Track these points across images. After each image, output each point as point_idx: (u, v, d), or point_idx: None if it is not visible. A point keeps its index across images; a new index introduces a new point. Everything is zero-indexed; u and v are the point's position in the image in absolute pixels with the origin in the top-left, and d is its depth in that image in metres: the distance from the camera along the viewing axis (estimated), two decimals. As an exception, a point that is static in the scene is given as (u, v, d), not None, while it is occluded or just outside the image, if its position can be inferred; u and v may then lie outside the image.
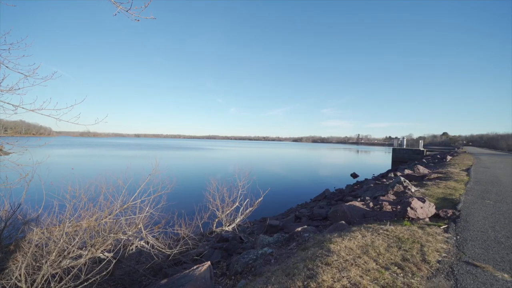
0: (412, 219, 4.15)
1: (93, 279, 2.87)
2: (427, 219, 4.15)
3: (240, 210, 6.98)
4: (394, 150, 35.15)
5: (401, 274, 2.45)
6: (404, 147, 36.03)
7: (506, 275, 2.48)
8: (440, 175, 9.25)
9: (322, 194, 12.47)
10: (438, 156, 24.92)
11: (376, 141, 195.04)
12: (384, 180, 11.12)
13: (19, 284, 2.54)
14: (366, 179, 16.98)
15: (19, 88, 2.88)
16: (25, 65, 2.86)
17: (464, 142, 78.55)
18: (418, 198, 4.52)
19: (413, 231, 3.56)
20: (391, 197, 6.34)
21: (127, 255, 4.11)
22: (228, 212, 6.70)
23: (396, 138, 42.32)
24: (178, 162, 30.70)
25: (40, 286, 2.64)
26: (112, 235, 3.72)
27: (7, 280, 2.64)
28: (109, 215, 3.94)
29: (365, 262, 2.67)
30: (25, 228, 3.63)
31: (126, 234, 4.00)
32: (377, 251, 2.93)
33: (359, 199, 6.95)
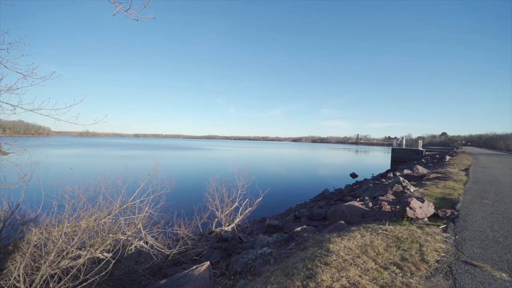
0: (411, 219, 4.16)
1: (92, 279, 2.86)
2: (426, 219, 4.17)
3: (240, 210, 6.98)
4: (393, 150, 35.21)
5: (400, 274, 2.46)
6: (403, 147, 36.10)
7: (504, 275, 2.49)
8: (439, 175, 9.27)
9: (321, 194, 12.48)
10: (437, 156, 24.98)
11: (375, 141, 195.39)
12: (383, 180, 11.13)
13: (17, 284, 2.54)
14: (365, 179, 17.00)
15: (18, 88, 2.87)
16: (23, 65, 2.86)
17: (463, 142, 78.78)
18: (417, 198, 4.53)
19: (412, 231, 3.57)
20: (390, 197, 6.36)
21: (126, 255, 4.10)
22: (227, 212, 6.70)
23: (395, 138, 42.41)
24: (177, 162, 30.66)
25: (38, 286, 2.64)
26: (111, 235, 3.71)
27: (6, 280, 2.63)
28: (108, 215, 3.93)
29: (364, 262, 2.67)
30: (24, 229, 3.61)
31: (125, 234, 3.99)
32: (376, 251, 2.94)
33: (358, 199, 6.96)
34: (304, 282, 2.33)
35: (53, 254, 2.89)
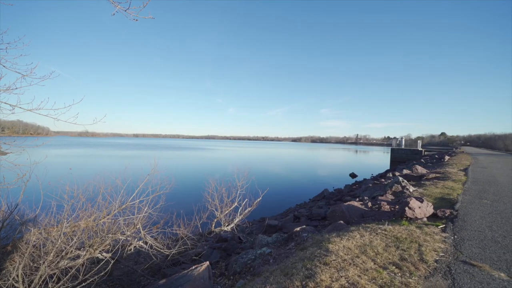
0: (410, 218, 4.17)
1: (91, 279, 2.86)
2: (425, 219, 4.18)
3: (239, 210, 6.98)
4: (392, 150, 35.28)
5: (399, 274, 2.47)
6: (403, 147, 36.17)
7: (502, 274, 2.50)
8: (438, 175, 9.29)
9: (321, 194, 12.49)
10: (436, 156, 25.03)
11: (374, 141, 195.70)
12: (383, 180, 11.15)
13: (16, 284, 2.53)
14: (364, 179, 17.02)
15: (17, 88, 2.86)
16: (22, 65, 2.85)
17: (462, 142, 78.99)
18: (416, 198, 4.54)
19: (411, 230, 3.58)
20: (390, 197, 6.37)
21: (125, 256, 4.10)
22: (227, 212, 6.70)
23: (394, 138, 42.48)
24: (177, 162, 30.64)
25: (37, 286, 2.63)
26: (110, 235, 3.71)
27: (4, 281, 2.63)
28: (108, 215, 3.93)
29: (363, 261, 2.68)
30: (23, 229, 3.61)
31: (124, 234, 3.99)
32: (375, 250, 2.94)
33: (357, 199, 6.97)
34: (304, 282, 2.34)
35: (52, 254, 2.88)
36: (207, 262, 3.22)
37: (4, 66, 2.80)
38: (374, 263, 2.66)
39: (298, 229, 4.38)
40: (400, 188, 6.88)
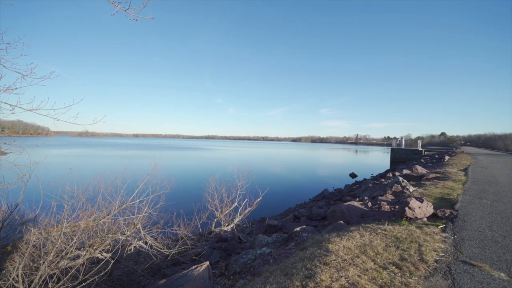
0: (410, 218, 4.17)
1: (91, 279, 2.86)
2: (425, 219, 4.18)
3: (239, 210, 6.98)
4: (392, 150, 35.28)
5: (399, 274, 2.47)
6: (403, 147, 36.18)
7: (502, 274, 2.50)
8: (438, 175, 9.29)
9: (321, 194, 12.49)
10: (436, 156, 25.03)
11: (374, 141, 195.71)
12: (383, 180, 11.15)
13: (16, 285, 2.53)
14: (364, 179, 17.02)
15: (17, 88, 2.86)
16: (22, 65, 2.85)
17: (462, 142, 79.00)
18: (416, 198, 4.54)
19: (411, 230, 3.58)
20: (390, 197, 6.37)
21: (125, 256, 4.10)
22: (227, 212, 6.70)
23: (394, 138, 42.49)
24: (177, 162, 30.64)
25: (37, 286, 2.63)
26: (110, 235, 3.71)
27: (4, 281, 2.63)
28: (108, 215, 3.93)
29: (363, 261, 2.68)
30: (23, 229, 3.61)
31: (124, 234, 3.99)
32: (375, 250, 2.94)
33: (357, 199, 6.97)
34: (303, 282, 2.34)
35: (52, 254, 2.88)
36: (207, 262, 3.22)
37: (4, 66, 2.80)
38: (374, 263, 2.66)
39: (298, 229, 4.38)
40: (400, 188, 6.88)
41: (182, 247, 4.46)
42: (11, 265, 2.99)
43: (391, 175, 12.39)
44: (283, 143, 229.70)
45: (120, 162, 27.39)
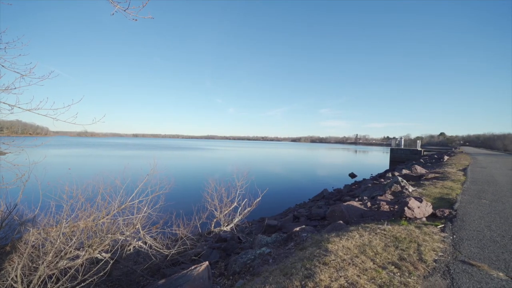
0: (410, 218, 4.18)
1: (91, 279, 2.85)
2: (424, 219, 4.18)
3: (239, 210, 6.98)
4: (392, 150, 35.35)
5: (398, 273, 2.47)
6: (402, 147, 36.25)
7: (501, 274, 2.51)
8: (437, 175, 9.31)
9: (320, 194, 12.50)
10: (436, 156, 25.08)
11: (374, 141, 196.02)
12: (382, 180, 11.17)
13: (15, 285, 2.52)
14: (364, 179, 17.05)
15: (16, 88, 2.86)
16: (21, 64, 2.85)
17: (461, 142, 79.17)
18: (416, 198, 4.55)
19: (410, 230, 3.59)
20: (389, 197, 6.38)
21: (124, 256, 4.09)
22: (226, 212, 6.70)
23: (394, 138, 42.56)
24: (176, 162, 30.61)
25: (36, 287, 2.63)
26: (109, 235, 3.70)
27: (3, 281, 2.62)
28: (107, 215, 3.92)
29: (362, 261, 2.68)
30: (22, 229, 3.60)
31: (123, 234, 3.98)
32: (375, 250, 2.95)
33: (357, 199, 6.98)
34: (303, 282, 2.34)
35: (51, 254, 2.88)
36: (207, 262, 3.22)
37: (3, 66, 2.79)
38: (373, 263, 2.66)
39: (297, 229, 4.39)
40: (399, 188, 6.89)
41: (182, 247, 4.45)
42: (10, 265, 2.99)
43: (390, 175, 12.41)
44: (283, 143, 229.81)
45: (119, 162, 27.35)
